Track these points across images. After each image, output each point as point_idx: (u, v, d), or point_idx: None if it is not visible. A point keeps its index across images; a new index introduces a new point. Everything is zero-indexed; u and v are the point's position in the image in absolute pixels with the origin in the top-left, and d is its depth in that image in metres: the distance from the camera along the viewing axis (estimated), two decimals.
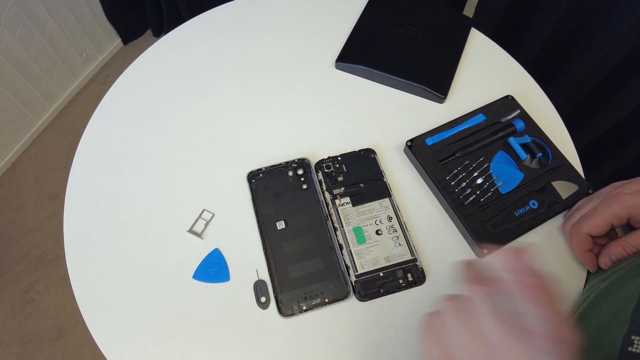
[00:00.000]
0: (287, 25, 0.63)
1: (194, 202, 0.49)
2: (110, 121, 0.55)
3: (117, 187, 0.50)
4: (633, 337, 0.34)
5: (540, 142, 0.51)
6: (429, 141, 0.51)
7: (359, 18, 0.62)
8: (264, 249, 0.45)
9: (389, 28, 0.61)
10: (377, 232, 0.46)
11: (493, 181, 0.48)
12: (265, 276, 0.45)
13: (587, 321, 0.39)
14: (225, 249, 0.46)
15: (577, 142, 0.53)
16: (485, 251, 0.44)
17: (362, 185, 0.49)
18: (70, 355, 1.08)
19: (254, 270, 0.45)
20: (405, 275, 0.44)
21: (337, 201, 0.48)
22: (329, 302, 0.43)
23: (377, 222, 0.47)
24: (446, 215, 0.48)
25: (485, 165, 0.49)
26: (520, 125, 0.51)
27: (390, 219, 0.47)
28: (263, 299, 0.43)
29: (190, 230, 0.47)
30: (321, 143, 0.53)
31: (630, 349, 0.33)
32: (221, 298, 0.44)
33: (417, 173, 0.51)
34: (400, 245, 0.45)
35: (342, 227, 0.46)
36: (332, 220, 0.47)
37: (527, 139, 0.50)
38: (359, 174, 0.50)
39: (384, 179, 0.49)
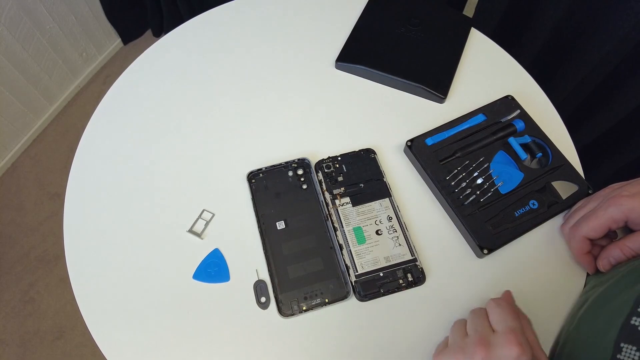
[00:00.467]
0: (287, 25, 0.63)
1: (194, 202, 0.49)
2: (110, 121, 0.55)
3: (117, 187, 0.50)
4: (622, 345, 0.34)
5: (540, 142, 0.51)
6: (429, 141, 0.51)
7: (359, 18, 0.62)
8: (264, 249, 0.45)
9: (389, 28, 0.61)
10: (377, 232, 0.46)
11: (493, 181, 0.48)
12: (265, 276, 0.45)
13: (584, 326, 0.39)
14: (225, 249, 0.46)
15: (577, 142, 0.53)
16: (485, 252, 0.44)
17: (362, 185, 0.49)
18: (70, 355, 1.08)
19: (254, 270, 0.45)
20: (405, 275, 0.44)
21: (337, 201, 0.48)
22: (329, 302, 0.43)
23: (377, 222, 0.47)
24: (446, 215, 0.48)
25: (485, 165, 0.49)
26: (520, 125, 0.51)
27: (390, 219, 0.47)
28: (263, 299, 0.43)
29: (190, 230, 0.47)
30: (321, 143, 0.53)
31: (619, 356, 0.33)
32: (221, 298, 0.44)
33: (417, 173, 0.51)
34: (400, 245, 0.45)
35: (342, 227, 0.46)
36: (332, 220, 0.47)
37: (527, 139, 0.50)
38: (359, 174, 0.50)
39: (384, 179, 0.49)
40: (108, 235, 0.47)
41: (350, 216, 0.47)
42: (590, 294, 0.42)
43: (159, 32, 1.57)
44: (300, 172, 0.50)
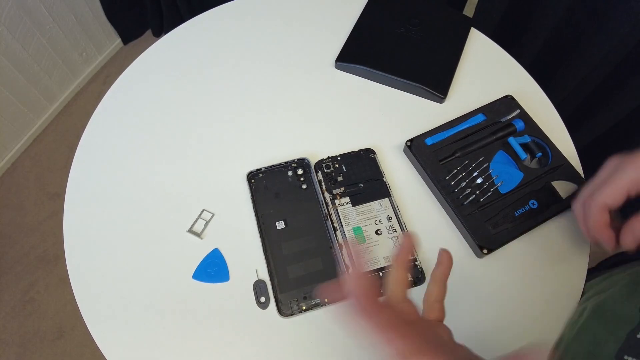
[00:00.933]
0: (287, 25, 0.63)
1: (194, 202, 0.49)
2: (110, 121, 0.55)
3: (117, 187, 0.50)
4: (626, 357, 0.34)
5: (540, 142, 0.51)
6: (429, 141, 0.51)
7: (359, 18, 0.62)
8: (263, 248, 0.45)
9: (388, 28, 0.61)
10: (376, 232, 0.46)
11: (493, 181, 0.48)
12: (264, 276, 0.45)
13: (585, 336, 0.39)
14: (225, 248, 0.46)
15: (577, 142, 0.53)
16: (485, 251, 0.44)
17: (362, 185, 0.49)
18: (70, 355, 1.08)
19: (254, 270, 0.45)
20: None
21: (336, 201, 0.48)
22: (329, 302, 0.43)
23: (376, 222, 0.47)
24: (446, 215, 0.48)
25: (485, 165, 0.49)
26: (520, 125, 0.51)
27: (389, 219, 0.47)
28: (263, 299, 0.43)
29: (190, 230, 0.47)
30: (321, 143, 0.53)
31: None
32: (221, 298, 0.44)
33: (417, 173, 0.51)
34: (400, 245, 0.45)
35: (342, 227, 0.46)
36: (331, 220, 0.47)
37: (527, 138, 0.50)
38: (359, 174, 0.50)
39: (384, 179, 0.49)
40: (108, 235, 0.47)
41: (349, 216, 0.47)
42: (590, 302, 0.42)
43: (159, 32, 1.57)
44: (300, 172, 0.50)
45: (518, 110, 0.53)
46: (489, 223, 0.46)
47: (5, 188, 1.29)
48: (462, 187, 0.48)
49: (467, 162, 0.49)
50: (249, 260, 0.45)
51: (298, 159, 0.50)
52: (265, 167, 0.50)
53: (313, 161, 0.50)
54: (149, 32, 1.59)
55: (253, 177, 0.50)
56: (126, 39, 1.54)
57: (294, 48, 0.61)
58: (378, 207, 0.48)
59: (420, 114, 0.56)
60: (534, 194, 0.47)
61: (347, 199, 0.48)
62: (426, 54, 0.59)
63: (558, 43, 0.94)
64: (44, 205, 1.26)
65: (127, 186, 0.50)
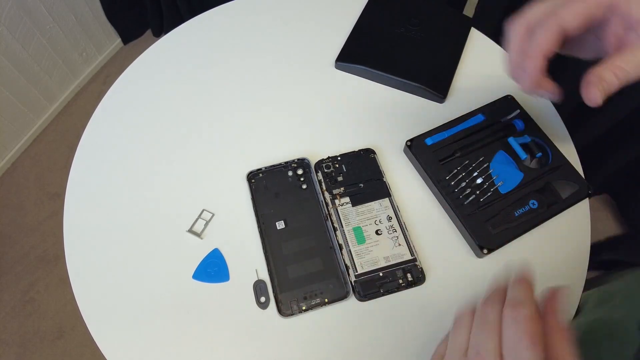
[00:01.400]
0: (287, 25, 0.63)
1: (194, 202, 0.49)
2: (110, 121, 0.55)
3: (117, 187, 0.50)
4: None
5: (540, 142, 0.51)
6: (429, 141, 0.51)
7: (359, 18, 0.62)
8: (263, 248, 0.45)
9: (389, 28, 0.61)
10: (376, 232, 0.46)
11: (493, 181, 0.48)
12: (265, 276, 0.45)
13: (587, 352, 0.38)
14: (225, 249, 0.46)
15: (577, 142, 0.53)
16: (485, 251, 0.44)
17: (362, 185, 0.49)
18: (70, 355, 1.08)
19: (254, 270, 0.45)
20: (405, 275, 0.44)
21: (336, 201, 0.48)
22: (329, 302, 0.43)
23: (376, 222, 0.47)
24: (446, 215, 0.48)
25: (485, 165, 0.49)
26: (520, 125, 0.51)
27: (390, 218, 0.47)
28: (263, 299, 0.43)
29: (190, 230, 0.47)
30: (321, 143, 0.53)
31: None
32: (221, 298, 0.44)
33: (417, 173, 0.51)
34: (399, 245, 0.45)
35: (342, 227, 0.46)
36: (331, 220, 0.47)
37: (526, 138, 0.50)
38: (359, 174, 0.50)
39: (384, 179, 0.49)
40: (108, 235, 0.47)
41: (349, 216, 0.47)
42: (589, 316, 0.41)
43: (159, 32, 1.57)
44: (300, 172, 0.50)
45: (518, 110, 0.53)
46: (489, 223, 0.46)
47: (5, 188, 1.29)
48: (462, 187, 0.48)
49: (467, 162, 0.49)
50: (249, 260, 0.45)
51: (298, 159, 0.50)
52: (265, 167, 0.50)
53: (313, 161, 0.50)
54: (149, 32, 1.59)
55: (253, 177, 0.50)
56: (126, 39, 1.54)
57: (294, 48, 0.61)
58: (378, 207, 0.48)
59: (420, 114, 0.56)
60: (534, 194, 0.47)
61: (347, 199, 0.48)
62: (426, 54, 0.59)
63: None
64: (44, 205, 1.26)
65: (127, 186, 0.50)
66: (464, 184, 0.48)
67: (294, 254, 0.45)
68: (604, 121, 0.99)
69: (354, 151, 0.51)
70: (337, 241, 0.45)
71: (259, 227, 0.47)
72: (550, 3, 0.31)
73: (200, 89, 0.57)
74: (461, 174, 0.49)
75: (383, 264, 0.44)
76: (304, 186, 0.49)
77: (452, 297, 0.44)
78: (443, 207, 0.49)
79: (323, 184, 0.49)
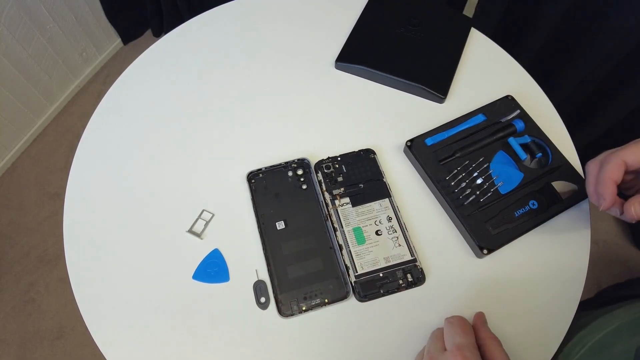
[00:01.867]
0: (287, 25, 0.63)
1: (194, 202, 0.49)
2: (110, 121, 0.55)
3: (117, 187, 0.50)
4: None
5: (540, 142, 0.50)
6: (429, 141, 0.51)
7: (359, 18, 0.62)
8: (263, 249, 0.45)
9: (389, 28, 0.61)
10: (376, 233, 0.46)
11: (493, 181, 0.48)
12: (265, 276, 0.45)
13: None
14: (225, 249, 0.46)
15: (577, 142, 0.53)
16: (485, 252, 0.44)
17: (362, 185, 0.49)
18: (70, 355, 1.08)
19: (254, 270, 0.45)
20: (405, 275, 0.44)
21: (336, 201, 0.48)
22: (329, 303, 0.43)
23: (376, 223, 0.47)
24: (446, 215, 0.48)
25: (485, 166, 0.49)
26: (520, 125, 0.51)
27: (390, 219, 0.47)
28: (263, 299, 0.43)
29: (190, 231, 0.47)
30: (321, 143, 0.53)
31: None
32: (221, 298, 0.44)
33: (417, 173, 0.51)
34: (399, 245, 0.45)
35: (342, 227, 0.46)
36: (331, 220, 0.47)
37: (527, 139, 0.50)
38: (359, 174, 0.50)
39: (384, 179, 0.49)
40: (108, 235, 0.47)
41: (349, 216, 0.47)
42: (588, 339, 0.42)
43: (159, 32, 1.57)
44: (300, 172, 0.50)
45: (518, 111, 0.53)
46: (489, 223, 0.46)
47: (5, 188, 1.29)
48: (462, 187, 0.48)
49: (467, 162, 0.49)
50: (249, 260, 0.45)
51: (298, 159, 0.50)
52: (265, 167, 0.50)
53: (313, 161, 0.50)
54: (149, 32, 1.59)
55: (253, 177, 0.50)
56: (126, 39, 1.54)
57: (294, 48, 0.61)
58: (378, 208, 0.48)
59: (420, 114, 0.56)
60: (534, 194, 0.47)
61: (347, 200, 0.48)
62: (426, 54, 0.58)
63: (558, 43, 0.94)
64: (44, 205, 1.26)
65: (127, 186, 0.50)
66: (464, 184, 0.48)
67: (294, 254, 0.45)
68: (604, 121, 0.99)
69: (354, 151, 0.51)
70: (337, 241, 0.45)
71: (259, 227, 0.47)
72: (616, 148, 0.40)
73: (200, 89, 0.57)
74: (461, 174, 0.49)
75: (383, 264, 0.44)
76: (304, 186, 0.49)
77: (452, 297, 0.44)
78: (443, 208, 0.49)
79: (323, 184, 0.49)
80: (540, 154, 0.50)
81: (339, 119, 0.55)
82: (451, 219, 0.48)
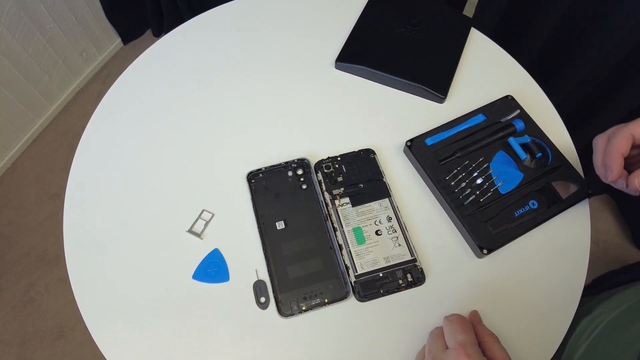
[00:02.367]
0: (287, 25, 0.63)
1: (194, 202, 0.49)
2: (110, 121, 0.55)
3: (117, 187, 0.50)
4: None
5: (540, 142, 0.50)
6: (429, 141, 0.51)
7: (359, 18, 0.62)
8: (263, 249, 0.45)
9: (388, 28, 0.61)
10: (376, 233, 0.46)
11: (493, 181, 0.48)
12: (264, 276, 0.45)
13: (597, 353, 0.39)
14: (225, 249, 0.46)
15: (577, 142, 0.53)
16: (485, 251, 0.44)
17: (362, 185, 0.49)
18: (70, 355, 1.08)
19: (254, 270, 0.45)
20: (404, 275, 0.44)
21: (336, 201, 0.48)
22: (329, 303, 0.43)
23: (376, 223, 0.47)
24: (446, 215, 0.48)
25: (485, 165, 0.49)
26: (520, 125, 0.51)
27: (389, 219, 0.47)
28: (263, 299, 0.43)
29: (190, 230, 0.47)
30: (321, 143, 0.53)
31: None
32: (221, 298, 0.44)
33: (417, 173, 0.51)
34: (399, 245, 0.45)
35: (342, 227, 0.46)
36: (331, 220, 0.47)
37: (527, 139, 0.50)
38: (359, 174, 0.50)
39: (384, 179, 0.49)
40: (108, 235, 0.47)
41: (349, 216, 0.47)
42: (598, 322, 0.42)
43: (159, 32, 1.57)
44: (299, 172, 0.50)
45: (518, 111, 0.53)
46: (489, 223, 0.46)
47: (5, 188, 1.29)
48: (462, 187, 0.48)
49: (467, 162, 0.49)
50: (249, 260, 0.45)
51: (298, 159, 0.50)
52: (265, 167, 0.50)
53: (313, 161, 0.50)
54: (149, 32, 1.59)
55: (253, 177, 0.50)
56: (126, 39, 1.54)
57: (294, 48, 0.61)
58: (378, 208, 0.48)
59: (420, 114, 0.56)
60: (534, 194, 0.47)
61: (347, 199, 0.48)
62: (426, 54, 0.58)
63: (558, 43, 0.94)
64: (44, 205, 1.26)
65: (127, 186, 0.50)
66: (464, 184, 0.48)
67: (294, 254, 0.45)
68: (604, 121, 0.99)
69: (354, 151, 0.51)
70: (337, 241, 0.45)
71: (259, 227, 0.47)
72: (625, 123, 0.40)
73: (200, 89, 0.57)
74: (461, 174, 0.49)
75: (383, 264, 0.44)
76: (304, 186, 0.49)
77: (452, 297, 0.44)
78: (443, 207, 0.49)
79: (323, 184, 0.49)
80: (540, 154, 0.50)
81: (339, 119, 0.55)
82: (451, 219, 0.48)
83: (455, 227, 0.48)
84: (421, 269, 0.44)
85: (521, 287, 0.45)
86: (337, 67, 0.59)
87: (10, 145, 1.30)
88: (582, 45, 0.90)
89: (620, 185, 0.40)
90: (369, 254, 0.45)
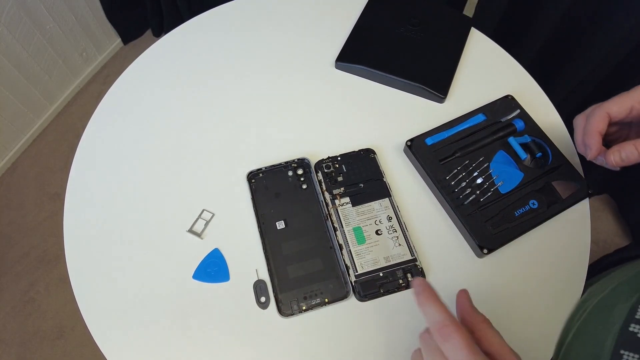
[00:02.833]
0: (287, 25, 0.63)
1: (194, 202, 0.49)
2: (110, 121, 0.55)
3: (117, 187, 0.50)
4: (622, 352, 0.34)
5: (540, 141, 0.51)
6: (429, 141, 0.51)
7: (359, 18, 0.62)
8: (263, 248, 0.45)
9: (389, 28, 0.61)
10: (376, 232, 0.46)
11: (493, 181, 0.48)
12: (265, 276, 0.45)
13: (584, 337, 0.39)
14: (225, 248, 0.46)
15: None
16: (485, 251, 0.44)
17: (362, 185, 0.49)
18: (70, 355, 1.08)
19: (254, 270, 0.45)
20: (405, 275, 0.44)
21: (336, 201, 0.48)
22: (329, 302, 0.43)
23: (376, 222, 0.47)
24: (446, 215, 0.48)
25: (485, 165, 0.49)
26: (520, 125, 0.51)
27: (390, 219, 0.47)
28: (263, 299, 0.43)
29: (190, 230, 0.47)
30: (321, 143, 0.53)
31: None
32: (221, 298, 0.44)
33: (417, 173, 0.51)
34: (400, 245, 0.45)
35: (342, 227, 0.46)
36: (331, 220, 0.47)
37: (527, 138, 0.50)
38: (359, 174, 0.50)
39: (384, 179, 0.49)
40: (108, 235, 0.47)
41: (350, 216, 0.47)
42: (587, 304, 0.42)
43: (159, 32, 1.57)
44: (300, 172, 0.50)
45: (518, 110, 0.53)
46: (489, 223, 0.46)
47: (5, 188, 1.29)
48: (462, 187, 0.48)
49: (467, 162, 0.49)
50: (249, 260, 0.45)
51: (298, 159, 0.50)
52: (265, 167, 0.50)
53: (313, 161, 0.50)
54: (149, 32, 1.59)
55: (253, 177, 0.50)
56: (126, 39, 1.54)
57: (294, 48, 0.61)
58: (378, 207, 0.48)
59: (420, 114, 0.56)
60: (534, 194, 0.47)
61: (347, 199, 0.48)
62: (426, 54, 0.59)
63: (558, 43, 0.94)
64: (44, 205, 1.26)
65: (127, 186, 0.50)
66: (464, 184, 0.48)
67: (294, 254, 0.45)
68: None
69: (354, 151, 0.51)
70: (337, 241, 0.45)
71: (259, 227, 0.47)
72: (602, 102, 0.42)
73: (200, 89, 0.57)
74: (461, 174, 0.49)
75: (383, 264, 0.44)
76: (304, 186, 0.49)
77: (452, 297, 0.44)
78: (443, 207, 0.49)
79: (323, 184, 0.49)
80: (540, 154, 0.50)
81: (339, 119, 0.55)
82: (451, 219, 0.48)
83: (455, 226, 0.48)
84: (421, 268, 0.44)
85: (521, 287, 0.45)
86: (337, 67, 0.59)
87: (10, 145, 1.30)
88: (582, 45, 0.90)
89: (600, 162, 0.42)
90: (369, 254, 0.45)
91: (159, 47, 0.61)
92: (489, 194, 0.47)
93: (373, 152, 0.51)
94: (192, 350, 0.42)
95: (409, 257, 0.45)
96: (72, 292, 0.44)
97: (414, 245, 0.45)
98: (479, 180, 0.48)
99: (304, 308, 0.43)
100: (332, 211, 0.47)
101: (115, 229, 0.47)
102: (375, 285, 0.44)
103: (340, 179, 0.49)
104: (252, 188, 0.49)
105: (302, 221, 0.47)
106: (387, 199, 0.48)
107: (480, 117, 0.52)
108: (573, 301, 0.44)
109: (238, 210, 0.48)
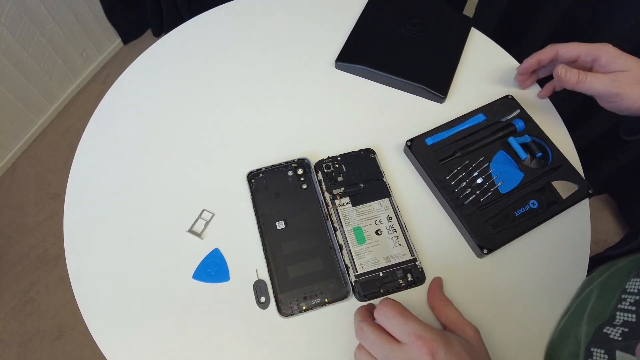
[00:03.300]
0: (287, 25, 0.63)
1: (194, 202, 0.49)
2: (110, 121, 0.55)
3: (117, 187, 0.50)
4: (592, 349, 0.35)
5: (540, 142, 0.51)
6: (429, 141, 0.51)
7: (359, 18, 0.62)
8: (263, 248, 0.45)
9: (389, 28, 0.61)
10: (376, 232, 0.46)
11: (493, 181, 0.48)
12: (265, 276, 0.45)
13: (566, 338, 0.40)
14: (225, 248, 0.46)
15: (577, 142, 0.53)
16: (485, 251, 0.44)
17: (362, 185, 0.49)
18: (70, 355, 1.08)
19: (254, 270, 0.45)
20: (405, 275, 0.44)
21: (336, 201, 0.48)
22: (329, 302, 0.43)
23: (376, 222, 0.47)
24: (446, 215, 0.48)
25: (485, 165, 0.49)
26: (520, 125, 0.51)
27: (390, 219, 0.47)
28: (263, 299, 0.43)
29: (190, 230, 0.47)
30: (321, 143, 0.53)
31: None
32: (221, 298, 0.44)
33: (417, 173, 0.51)
34: (400, 245, 0.45)
35: (342, 227, 0.46)
36: (331, 220, 0.47)
37: (527, 138, 0.50)
38: (359, 174, 0.50)
39: (384, 179, 0.49)
40: (108, 235, 0.47)
41: (350, 216, 0.47)
42: (570, 304, 0.43)
43: (159, 32, 1.57)
44: (300, 172, 0.50)
45: (518, 110, 0.53)
46: (489, 223, 0.46)
47: (5, 188, 1.29)
48: (462, 187, 0.48)
49: (467, 162, 0.49)
50: (249, 260, 0.45)
51: (298, 159, 0.50)
52: (265, 167, 0.50)
53: (313, 161, 0.50)
54: (149, 32, 1.59)
55: (253, 177, 0.50)
56: (126, 39, 1.54)
57: (294, 48, 0.61)
58: (378, 207, 0.48)
59: (420, 114, 0.56)
60: (534, 194, 0.47)
61: (347, 199, 0.48)
62: (426, 54, 0.59)
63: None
64: (44, 205, 1.26)
65: (127, 186, 0.50)
66: (464, 184, 0.48)
67: (294, 254, 0.45)
68: (604, 121, 0.99)
69: (354, 151, 0.51)
70: (337, 241, 0.45)
71: (259, 227, 0.47)
72: None
73: (200, 89, 0.57)
74: (461, 174, 0.49)
75: (383, 264, 0.44)
76: (304, 186, 0.49)
77: (452, 297, 0.44)
78: (443, 207, 0.49)
79: (323, 184, 0.49)
80: (540, 154, 0.50)
81: (339, 119, 0.55)
82: (451, 219, 0.48)
83: (455, 226, 0.48)
84: (421, 268, 0.44)
85: (521, 287, 0.45)
86: (337, 67, 0.59)
87: (10, 145, 1.30)
88: None
89: (531, 82, 0.54)
90: (369, 254, 0.45)
91: (159, 47, 0.61)
92: (489, 194, 0.47)
93: (373, 152, 0.51)
94: (192, 350, 0.42)
95: (409, 257, 0.45)
96: (72, 292, 0.44)
97: (414, 245, 0.45)
98: (479, 180, 0.48)
99: (304, 308, 0.43)
100: (332, 211, 0.47)
101: (115, 229, 0.47)
102: (375, 285, 0.44)
103: (340, 179, 0.49)
104: (252, 188, 0.49)
105: (302, 221, 0.47)
106: (387, 199, 0.48)
107: (480, 117, 0.52)
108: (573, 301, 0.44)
109: (238, 210, 0.48)
